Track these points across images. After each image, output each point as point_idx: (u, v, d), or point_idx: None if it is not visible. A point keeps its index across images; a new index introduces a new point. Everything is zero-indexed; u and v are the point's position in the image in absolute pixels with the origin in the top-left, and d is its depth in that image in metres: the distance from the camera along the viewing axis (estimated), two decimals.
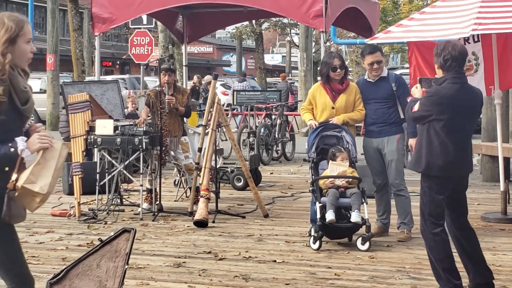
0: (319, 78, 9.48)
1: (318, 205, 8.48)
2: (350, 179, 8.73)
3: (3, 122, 4.35)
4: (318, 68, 10.02)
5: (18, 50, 4.44)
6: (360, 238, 8.48)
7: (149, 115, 11.15)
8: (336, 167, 8.72)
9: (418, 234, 9.07)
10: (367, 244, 8.43)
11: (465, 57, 6.74)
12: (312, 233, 8.56)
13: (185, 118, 11.59)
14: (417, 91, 6.96)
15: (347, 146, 8.94)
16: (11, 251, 4.80)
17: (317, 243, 8.44)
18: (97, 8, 13.36)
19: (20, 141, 4.40)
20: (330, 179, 8.69)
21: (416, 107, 6.66)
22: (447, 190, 6.63)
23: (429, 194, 6.64)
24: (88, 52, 43.23)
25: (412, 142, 9.15)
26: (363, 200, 8.61)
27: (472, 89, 6.82)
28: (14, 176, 4.38)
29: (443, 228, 6.69)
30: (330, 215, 8.35)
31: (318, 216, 8.43)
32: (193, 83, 25.54)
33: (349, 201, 8.56)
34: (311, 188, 8.83)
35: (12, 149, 4.36)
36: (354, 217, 8.41)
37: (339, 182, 8.69)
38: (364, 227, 8.53)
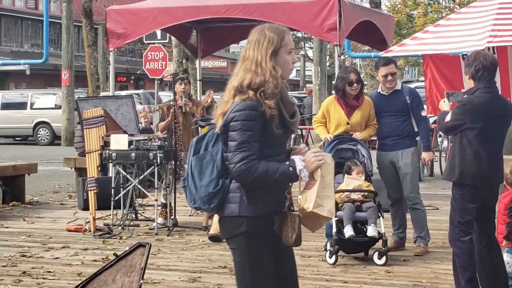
0: (333, 92, 9.43)
1: (334, 219, 8.43)
2: (366, 193, 8.68)
3: (275, 137, 4.30)
4: (333, 82, 9.99)
5: (280, 62, 4.38)
6: (377, 253, 8.43)
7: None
8: (352, 181, 8.67)
9: (435, 248, 9.05)
10: (384, 258, 8.37)
11: (496, 67, 6.74)
12: (328, 247, 8.52)
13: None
14: (445, 105, 6.95)
15: (363, 159, 8.89)
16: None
17: (333, 257, 8.40)
18: (111, 23, 13.40)
19: (298, 160, 4.30)
20: (346, 193, 8.64)
21: (448, 118, 6.64)
22: (479, 199, 6.62)
23: (460, 201, 6.63)
24: (103, 67, 43.37)
25: (425, 155, 9.11)
26: (380, 214, 8.55)
27: (503, 99, 6.86)
28: (299, 197, 4.30)
29: (471, 237, 6.67)
30: (349, 231, 8.29)
31: (334, 230, 8.38)
32: (209, 98, 25.56)
33: (365, 215, 8.51)
34: None
35: (290, 169, 4.28)
36: (371, 231, 8.36)
37: (355, 196, 8.64)
38: (380, 241, 8.48)
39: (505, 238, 7.08)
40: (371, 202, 8.64)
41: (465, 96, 6.75)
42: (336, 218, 8.45)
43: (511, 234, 7.07)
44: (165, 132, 11.12)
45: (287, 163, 4.28)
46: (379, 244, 8.53)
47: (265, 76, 4.32)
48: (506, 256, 7.10)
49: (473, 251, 6.68)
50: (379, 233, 8.40)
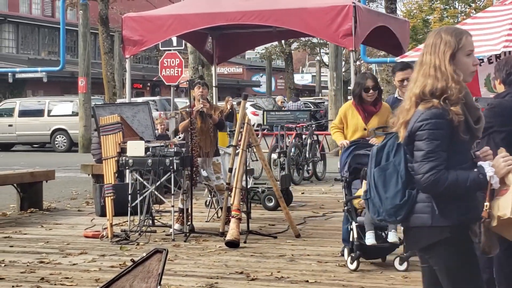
0: (349, 97, 9.42)
1: (354, 224, 8.43)
2: None
3: (462, 143, 4.21)
4: (349, 88, 10.00)
5: (460, 65, 4.24)
6: (398, 258, 8.40)
7: (180, 136, 11.19)
8: None
9: None
10: (405, 264, 8.35)
11: None
12: (345, 253, 8.50)
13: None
14: None
15: None
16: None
17: (355, 263, 8.36)
18: (127, 31, 13.46)
19: (487, 166, 4.18)
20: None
21: None
22: None
23: None
24: (119, 74, 43.52)
25: None
26: None
27: None
28: (486, 204, 4.16)
29: None
30: (371, 238, 8.26)
31: (355, 236, 8.37)
32: (229, 105, 25.41)
33: None
34: (346, 208, 8.76)
35: (481, 176, 4.16)
36: (392, 237, 8.34)
37: None
38: (400, 246, 8.45)
39: None
40: None
41: (495, 99, 6.72)
42: (357, 224, 8.44)
43: None
44: (181, 138, 11.15)
45: (476, 170, 4.17)
46: (396, 250, 8.52)
47: (446, 82, 4.20)
48: None
49: (491, 258, 6.64)
50: (399, 239, 8.39)
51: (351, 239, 8.45)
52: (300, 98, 32.71)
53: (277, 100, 26.47)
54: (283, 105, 26.51)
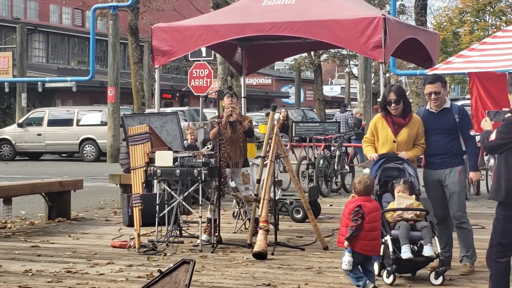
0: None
1: (389, 238, 8.32)
2: (418, 212, 8.57)
3: None
4: (378, 100, 9.96)
5: None
6: (434, 273, 8.29)
7: (208, 146, 11.18)
8: (403, 200, 8.56)
9: (481, 267, 8.93)
10: (441, 278, 8.23)
11: None
12: (375, 267, 8.37)
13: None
14: (487, 124, 6.88)
15: (410, 178, 8.78)
16: None
17: (391, 277, 8.23)
18: (157, 41, 13.49)
19: None
20: (398, 212, 8.54)
21: (493, 136, 6.56)
22: None
23: (503, 222, 6.55)
24: (148, 84, 43.72)
25: (473, 175, 8.99)
26: (434, 233, 8.45)
27: None
28: None
29: (508, 259, 6.58)
30: (407, 252, 8.16)
31: (391, 249, 8.28)
32: (282, 117, 25.10)
33: (419, 234, 8.38)
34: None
35: None
36: (428, 251, 8.21)
37: (407, 215, 8.52)
38: (434, 260, 8.35)
39: (346, 240, 7.58)
40: (424, 221, 8.52)
41: (509, 114, 6.67)
42: (391, 237, 8.36)
43: (352, 236, 7.59)
44: (209, 148, 11.14)
45: None
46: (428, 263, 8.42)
47: None
48: (347, 256, 7.63)
49: (509, 273, 6.59)
50: (435, 253, 8.29)
51: (382, 253, 8.36)
52: (347, 109, 32.42)
53: (355, 113, 25.04)
54: (361, 117, 25.17)
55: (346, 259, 7.67)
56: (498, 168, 6.67)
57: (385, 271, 8.30)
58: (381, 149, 8.98)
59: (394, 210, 8.53)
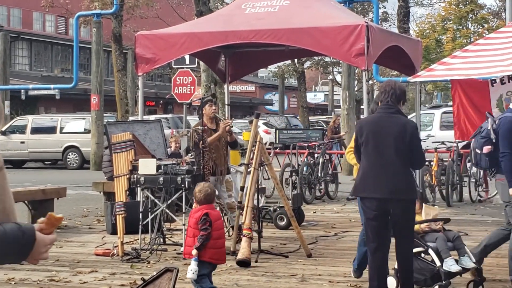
0: (362, 116, 9.38)
1: (431, 251, 7.99)
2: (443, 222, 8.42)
3: None
4: (361, 107, 9.97)
5: None
6: (472, 283, 8.18)
7: (192, 154, 11.18)
8: (430, 210, 8.45)
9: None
10: None
11: None
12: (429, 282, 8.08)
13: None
14: None
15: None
16: None
17: None
18: (140, 48, 13.48)
19: None
20: (427, 223, 8.28)
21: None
22: None
23: None
24: (132, 92, 43.65)
25: None
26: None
27: None
28: None
29: None
30: (455, 265, 7.92)
31: (437, 263, 7.94)
32: (334, 122, 24.59)
33: (452, 245, 8.18)
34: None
35: None
36: (467, 262, 8.04)
37: (435, 226, 8.39)
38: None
39: (197, 249, 7.51)
40: (453, 231, 8.41)
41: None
42: (429, 249, 8.07)
43: (202, 245, 7.50)
44: (193, 156, 11.14)
45: None
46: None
47: None
48: (193, 264, 7.60)
49: None
50: (474, 263, 8.14)
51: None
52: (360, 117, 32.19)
53: (332, 120, 24.47)
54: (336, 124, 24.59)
55: (193, 267, 7.56)
56: None
57: (437, 287, 7.96)
58: None
59: (427, 221, 8.24)
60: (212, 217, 7.59)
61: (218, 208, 12.42)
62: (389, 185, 7.20)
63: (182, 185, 10.20)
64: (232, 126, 11.28)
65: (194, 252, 7.52)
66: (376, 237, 7.33)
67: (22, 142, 31.98)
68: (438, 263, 7.98)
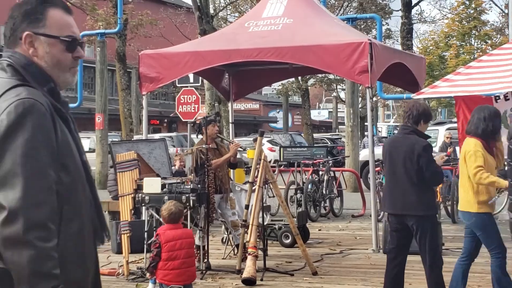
0: (366, 133, 9.36)
1: None
2: None
3: None
4: (366, 123, 9.92)
5: None
6: None
7: (199, 173, 11.20)
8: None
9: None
10: None
11: None
12: None
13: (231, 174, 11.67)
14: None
15: None
16: None
17: None
18: (144, 68, 13.52)
19: None
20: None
21: None
22: None
23: None
24: (136, 110, 43.72)
25: None
26: None
27: None
28: None
29: None
30: None
31: None
32: (448, 139, 23.63)
33: None
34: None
35: None
36: None
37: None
38: None
39: (146, 270, 7.52)
40: None
41: None
42: None
43: (151, 267, 7.42)
44: (198, 175, 11.15)
45: None
46: None
47: None
48: (150, 286, 7.71)
49: None
50: None
51: None
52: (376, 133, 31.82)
53: (445, 137, 23.57)
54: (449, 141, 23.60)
55: None
56: None
57: None
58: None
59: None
60: (165, 237, 7.43)
61: (223, 227, 12.45)
62: (400, 201, 7.80)
63: (187, 204, 10.20)
64: (244, 149, 11.34)
65: (148, 274, 7.46)
66: (396, 247, 7.93)
67: None
68: None
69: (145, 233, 10.65)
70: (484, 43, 46.39)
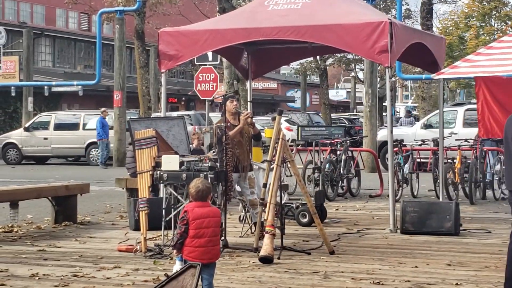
0: (384, 113, 9.34)
1: None
2: None
3: None
4: (384, 104, 9.92)
5: None
6: None
7: (214, 151, 11.20)
8: None
9: (489, 271, 8.92)
10: None
11: None
12: None
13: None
14: None
15: None
16: None
17: None
18: (163, 45, 13.50)
19: None
20: None
21: None
22: None
23: None
24: (154, 88, 43.76)
25: None
26: None
27: None
28: None
29: None
30: None
31: None
32: None
33: None
34: None
35: None
36: None
37: None
38: None
39: (172, 247, 7.40)
40: None
41: None
42: None
43: (178, 244, 7.26)
44: (215, 153, 11.14)
45: None
46: None
47: None
48: (177, 264, 7.80)
49: None
50: None
51: None
52: (412, 113, 31.81)
53: None
54: None
55: (177, 267, 7.51)
56: None
57: None
58: None
59: None
60: (193, 215, 7.40)
61: (240, 205, 12.47)
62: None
63: None
64: (251, 117, 11.27)
65: (174, 251, 7.38)
66: None
67: (45, 139, 32.16)
68: None
69: (163, 210, 10.68)
70: (505, 24, 46.09)
